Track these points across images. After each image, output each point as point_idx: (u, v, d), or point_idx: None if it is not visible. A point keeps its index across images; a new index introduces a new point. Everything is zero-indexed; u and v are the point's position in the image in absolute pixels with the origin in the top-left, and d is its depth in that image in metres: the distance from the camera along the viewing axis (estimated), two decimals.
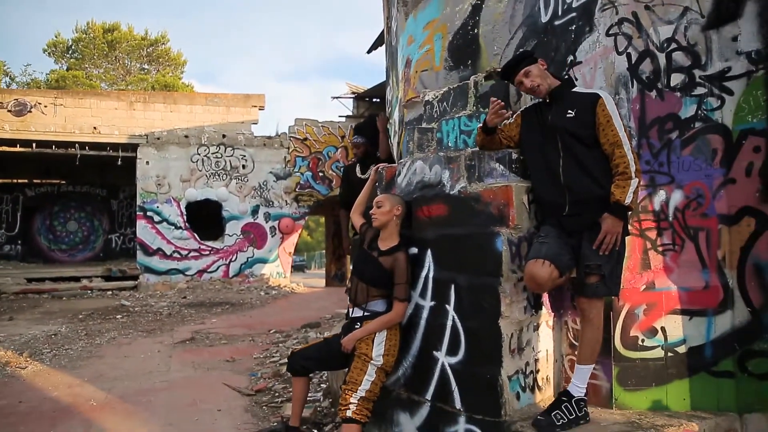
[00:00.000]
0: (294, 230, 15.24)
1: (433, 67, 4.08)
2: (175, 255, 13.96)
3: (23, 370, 5.95)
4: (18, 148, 12.93)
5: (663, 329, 2.93)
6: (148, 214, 13.71)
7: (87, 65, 20.76)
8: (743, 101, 2.87)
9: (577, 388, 2.72)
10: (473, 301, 2.95)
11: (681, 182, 2.96)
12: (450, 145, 3.36)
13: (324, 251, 23.70)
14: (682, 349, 2.92)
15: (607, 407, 2.94)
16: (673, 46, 2.98)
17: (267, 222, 14.92)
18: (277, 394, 4.99)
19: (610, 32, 3.06)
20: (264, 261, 14.91)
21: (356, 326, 3.29)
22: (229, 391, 5.13)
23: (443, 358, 3.08)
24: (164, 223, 13.89)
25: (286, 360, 6.02)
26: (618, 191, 2.61)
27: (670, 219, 2.97)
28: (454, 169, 3.18)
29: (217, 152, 14.45)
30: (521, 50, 3.38)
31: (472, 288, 2.96)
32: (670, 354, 2.92)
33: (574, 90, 2.88)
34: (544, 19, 3.34)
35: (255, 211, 14.80)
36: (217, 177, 14.46)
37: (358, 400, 3.11)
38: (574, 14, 3.19)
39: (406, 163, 3.53)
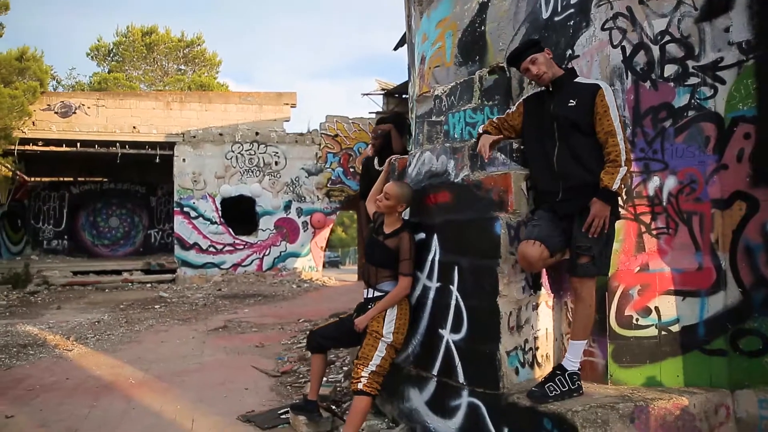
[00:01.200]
0: (326, 225, 15.60)
1: (445, 63, 4.27)
2: (211, 249, 14.47)
3: (70, 352, 6.42)
4: (64, 148, 13.63)
5: (657, 309, 3.07)
6: (185, 209, 14.25)
7: (127, 67, 21.66)
8: (734, 90, 2.99)
9: (571, 362, 2.89)
10: (474, 282, 3.15)
11: (675, 168, 3.09)
12: (456, 136, 3.56)
13: (357, 247, 24.05)
14: (675, 328, 3.06)
15: (602, 383, 3.11)
16: (667, 38, 3.11)
17: (299, 217, 15.30)
18: (301, 375, 5.28)
19: (605, 27, 3.20)
20: (296, 255, 15.31)
21: (369, 306, 3.52)
22: (257, 373, 5.45)
23: (448, 336, 3.29)
24: (200, 219, 14.41)
25: None
26: (607, 177, 2.77)
27: (664, 204, 3.10)
28: (459, 158, 3.39)
29: (250, 149, 14.89)
30: (529, 39, 3.50)
31: (474, 269, 3.16)
32: (663, 333, 3.06)
33: (576, 80, 3.02)
34: (545, 15, 3.51)
35: (287, 207, 15.19)
36: (250, 173, 14.90)
37: (369, 374, 3.34)
38: (572, 10, 3.35)
39: (416, 154, 3.75)
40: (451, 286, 3.29)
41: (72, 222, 17.01)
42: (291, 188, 15.13)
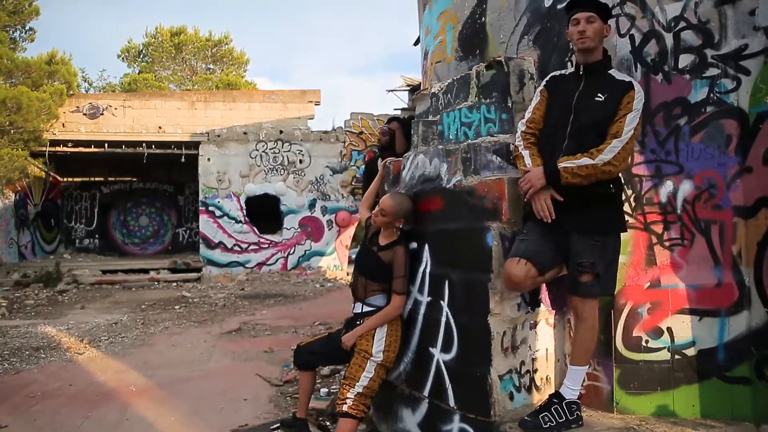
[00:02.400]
0: (350, 223, 15.43)
1: (446, 58, 3.99)
2: (236, 248, 14.48)
3: (81, 355, 6.40)
4: (92, 149, 13.84)
5: (669, 330, 2.74)
6: (210, 209, 14.30)
7: (156, 68, 21.96)
8: (760, 81, 2.62)
9: (569, 390, 2.60)
10: (465, 297, 2.88)
11: (690, 172, 2.75)
12: (451, 137, 3.28)
13: None
14: (691, 352, 2.72)
15: (608, 411, 2.80)
16: (682, 24, 2.76)
17: (324, 215, 15.18)
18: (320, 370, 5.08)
19: (612, 14, 2.86)
20: (321, 254, 15.20)
21: (358, 322, 3.29)
22: (260, 382, 5.29)
23: (438, 355, 3.04)
24: (225, 218, 14.43)
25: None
26: (565, 158, 2.50)
27: (679, 211, 2.76)
28: (452, 162, 3.11)
29: (274, 148, 14.82)
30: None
31: (464, 284, 2.89)
32: (677, 357, 2.73)
33: (610, 71, 2.65)
34: (548, 3, 3.19)
35: (312, 205, 15.08)
36: (275, 172, 14.84)
37: (355, 396, 3.11)
38: None
39: (410, 157, 3.49)
40: (441, 302, 3.02)
41: (103, 221, 17.34)
42: (315, 186, 15.01)
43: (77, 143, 13.76)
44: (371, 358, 3.15)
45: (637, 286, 2.78)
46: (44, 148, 13.02)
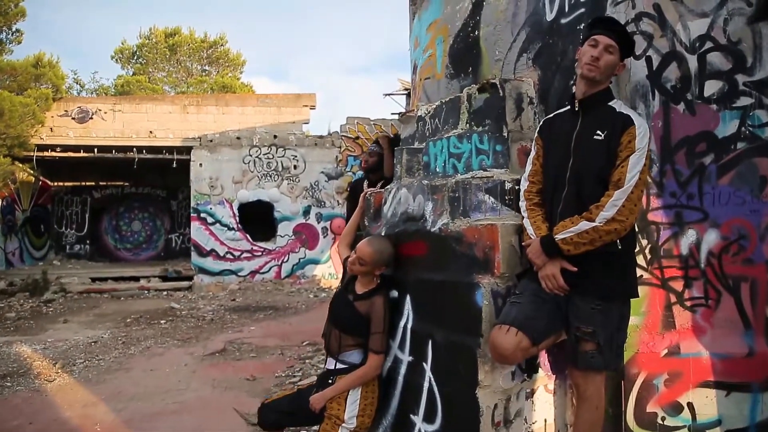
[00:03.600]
0: None
1: (435, 74, 3.58)
2: (228, 256, 14.08)
3: (50, 383, 5.99)
4: (81, 153, 13.43)
5: (690, 406, 2.32)
6: (202, 215, 13.90)
7: (151, 69, 21.54)
8: None
9: None
10: (450, 363, 2.47)
11: (717, 219, 2.33)
12: (438, 170, 2.87)
13: None
14: None
15: None
16: (708, 45, 2.34)
17: (319, 222, 14.77)
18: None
19: (633, 50, 2.45)
20: (316, 262, 14.79)
21: (330, 380, 2.88)
22: (236, 419, 4.88)
23: (420, 424, 2.63)
24: (217, 225, 14.03)
25: (304, 380, 5.73)
26: (561, 224, 2.13)
27: (702, 266, 2.35)
28: (438, 201, 2.70)
29: (268, 153, 14.40)
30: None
31: (450, 347, 2.48)
32: None
33: (610, 103, 2.24)
34: (550, 17, 2.77)
35: (307, 212, 14.67)
36: (268, 178, 14.42)
37: None
38: (582, 10, 2.61)
39: (392, 191, 3.08)
40: (424, 364, 2.61)
41: (94, 226, 16.94)
42: (310, 193, 14.59)
43: (66, 148, 13.36)
44: (343, 424, 2.74)
45: (652, 353, 2.37)
46: (31, 153, 12.62)
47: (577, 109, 2.27)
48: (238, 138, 14.10)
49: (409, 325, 2.74)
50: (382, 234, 3.07)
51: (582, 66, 2.22)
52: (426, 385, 2.58)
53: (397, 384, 2.81)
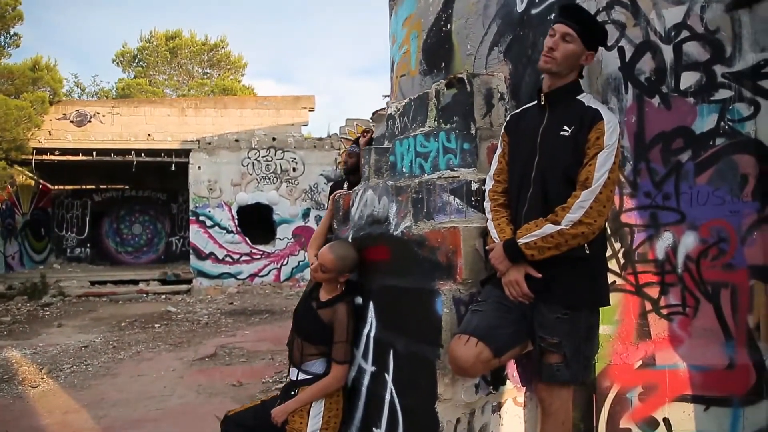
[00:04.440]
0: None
1: (410, 71, 3.44)
2: (227, 259, 14.01)
3: (34, 389, 5.90)
4: (80, 157, 13.41)
5: (666, 421, 2.16)
6: (201, 218, 13.83)
7: (152, 72, 21.55)
8: None
9: None
10: (411, 374, 2.33)
11: (695, 221, 2.17)
12: (404, 170, 2.72)
13: None
14: None
15: None
16: (685, 34, 2.19)
17: (318, 225, 14.64)
18: None
19: (601, 39, 2.29)
20: None
21: (292, 392, 2.74)
22: (217, 425, 4.75)
23: None
24: (216, 228, 13.96)
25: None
26: (525, 227, 1.99)
27: (680, 271, 2.18)
28: (402, 202, 2.56)
29: (267, 155, 14.33)
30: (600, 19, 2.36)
31: (410, 357, 2.33)
32: None
33: (579, 97, 2.09)
34: (521, 8, 2.62)
35: (306, 215, 14.58)
36: (267, 180, 14.35)
37: None
38: (552, 0, 2.45)
39: (359, 192, 2.94)
40: (386, 374, 2.47)
41: (95, 230, 16.92)
42: (309, 195, 14.49)
43: (64, 151, 13.34)
44: None
45: (625, 364, 2.21)
46: (30, 157, 12.60)
47: (543, 103, 2.12)
48: (236, 140, 14.04)
49: (372, 334, 2.60)
50: (349, 238, 2.93)
51: (539, 68, 2.08)
52: (388, 397, 2.44)
53: (361, 395, 2.67)
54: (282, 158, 14.31)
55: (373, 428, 2.54)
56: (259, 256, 14.23)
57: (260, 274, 14.18)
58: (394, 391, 2.40)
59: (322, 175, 14.55)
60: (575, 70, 2.05)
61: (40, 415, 5.11)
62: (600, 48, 2.28)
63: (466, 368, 1.97)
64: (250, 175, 14.14)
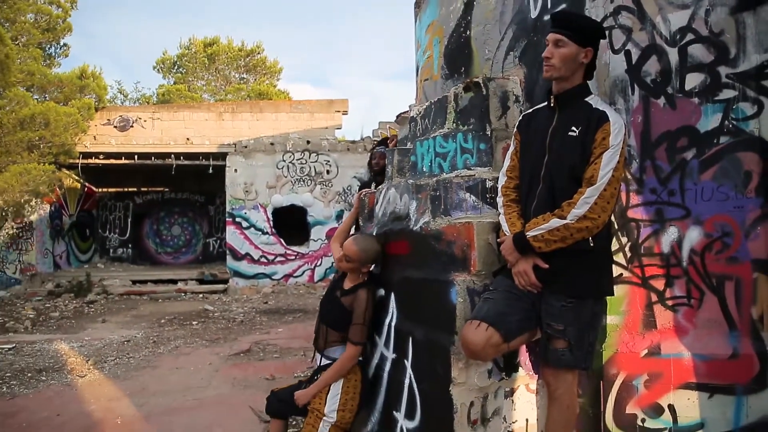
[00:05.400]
0: None
1: (433, 75, 3.60)
2: (263, 260, 14.36)
3: (81, 378, 6.27)
4: (123, 161, 14.00)
5: (671, 408, 2.26)
6: (237, 220, 14.22)
7: (191, 78, 22.26)
8: None
9: None
10: (428, 360, 2.48)
11: (700, 216, 2.26)
12: (424, 170, 2.88)
13: None
14: None
15: None
16: (690, 37, 2.29)
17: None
18: (293, 421, 4.76)
19: (604, 26, 2.41)
20: None
21: (315, 377, 2.94)
22: (250, 415, 4.99)
23: (402, 421, 2.64)
24: (252, 229, 14.33)
25: None
26: (534, 221, 2.12)
27: (685, 264, 2.28)
28: (422, 199, 2.72)
29: (301, 158, 14.64)
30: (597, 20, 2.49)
31: (428, 344, 2.49)
32: None
33: (587, 99, 2.21)
34: (534, 14, 2.75)
35: (339, 216, 14.80)
36: (302, 183, 14.66)
37: None
38: (564, 5, 2.58)
39: (383, 191, 3.11)
40: (405, 361, 2.63)
41: (136, 231, 17.59)
42: (343, 197, 14.73)
43: (108, 155, 13.94)
44: (324, 418, 2.79)
45: (631, 353, 2.31)
46: (77, 161, 13.22)
47: (552, 105, 2.25)
48: (271, 144, 14.40)
49: (393, 323, 2.77)
50: (374, 233, 3.11)
51: (544, 77, 2.23)
52: (407, 382, 2.60)
53: (383, 381, 2.84)
54: (316, 161, 14.59)
55: (394, 412, 2.70)
56: (293, 257, 14.53)
57: (294, 275, 14.48)
58: (412, 376, 2.56)
59: (355, 177, 14.76)
60: (579, 70, 2.17)
61: (87, 401, 5.44)
62: (608, 51, 2.40)
63: (476, 351, 2.11)
64: (285, 177, 14.47)
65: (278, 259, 14.46)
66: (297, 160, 14.61)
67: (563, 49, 2.11)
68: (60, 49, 13.48)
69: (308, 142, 14.58)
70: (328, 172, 14.74)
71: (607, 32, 2.41)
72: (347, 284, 2.94)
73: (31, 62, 11.47)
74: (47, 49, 13.69)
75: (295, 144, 14.49)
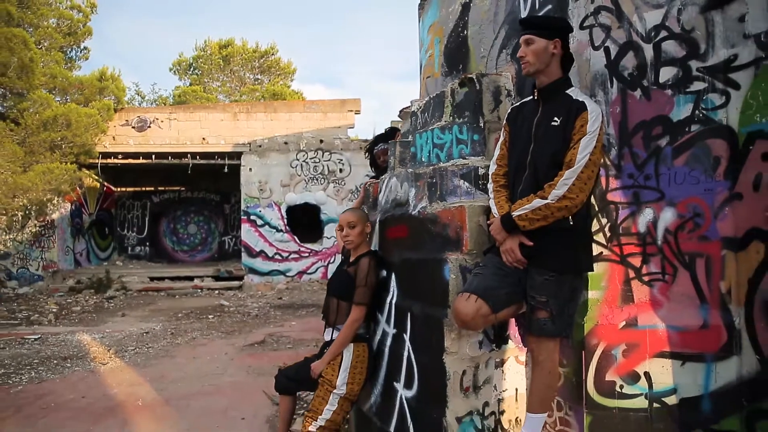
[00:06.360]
0: None
1: (434, 73, 3.81)
2: (277, 257, 14.65)
3: (103, 366, 6.59)
4: (141, 160, 14.39)
5: (647, 375, 2.45)
6: (252, 218, 14.54)
7: (206, 79, 22.72)
8: (750, 96, 2.30)
9: None
10: (424, 333, 2.70)
11: (673, 199, 2.45)
12: (423, 160, 3.10)
13: None
14: (671, 401, 2.42)
15: None
16: (663, 34, 2.47)
17: None
18: (304, 404, 5.00)
19: (585, 24, 2.62)
20: None
21: (325, 350, 3.18)
22: (264, 399, 5.25)
23: (401, 391, 2.87)
24: (266, 227, 14.64)
25: None
26: (519, 203, 2.33)
27: (659, 243, 2.47)
28: (420, 187, 2.94)
29: (315, 157, 14.92)
30: (557, 16, 2.78)
31: (424, 318, 2.71)
32: (656, 405, 2.44)
33: (568, 91, 2.43)
34: (524, 14, 2.96)
35: None
36: (315, 181, 14.93)
37: (317, 429, 2.99)
38: (549, 6, 2.79)
39: (386, 180, 3.34)
40: (404, 335, 2.86)
41: (154, 229, 18.01)
42: (356, 195, 14.96)
43: (127, 155, 14.35)
44: (334, 390, 3.02)
45: (610, 325, 2.51)
46: (96, 161, 13.63)
47: (536, 98, 2.47)
48: (285, 143, 14.68)
49: (394, 301, 2.99)
50: (378, 220, 3.35)
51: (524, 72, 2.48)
52: (406, 354, 2.82)
53: (385, 355, 3.06)
54: (329, 160, 14.86)
55: (394, 382, 2.92)
56: (307, 254, 14.81)
57: (308, 272, 14.75)
58: (411, 348, 2.78)
59: (367, 175, 14.96)
60: (553, 62, 2.40)
61: (110, 386, 5.74)
62: (589, 48, 2.61)
63: (467, 321, 2.33)
64: (299, 176, 14.76)
65: (292, 256, 14.75)
66: (310, 158, 14.88)
67: (533, 45, 2.35)
68: (80, 52, 13.92)
69: (321, 141, 14.84)
70: (340, 170, 15.00)
71: (587, 30, 2.62)
72: (351, 257, 3.21)
73: (54, 65, 11.88)
74: (68, 52, 14.14)
75: (308, 143, 14.77)
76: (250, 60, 22.69)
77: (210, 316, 10.31)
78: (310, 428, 2.99)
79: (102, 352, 7.23)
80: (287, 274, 14.65)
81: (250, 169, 14.56)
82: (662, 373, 2.43)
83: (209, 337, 8.41)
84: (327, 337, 3.23)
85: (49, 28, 12.28)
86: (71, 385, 5.80)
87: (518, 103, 2.64)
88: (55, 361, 6.77)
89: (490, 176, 2.62)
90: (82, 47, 14.05)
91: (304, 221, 14.99)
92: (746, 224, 2.31)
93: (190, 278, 14.42)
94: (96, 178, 14.85)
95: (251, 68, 23.12)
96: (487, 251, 2.56)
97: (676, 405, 2.41)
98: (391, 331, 3.00)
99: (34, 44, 10.86)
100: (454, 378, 2.54)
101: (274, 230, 14.70)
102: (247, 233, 14.54)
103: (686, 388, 2.40)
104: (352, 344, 3.10)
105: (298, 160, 14.84)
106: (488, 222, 2.54)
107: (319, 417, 3.01)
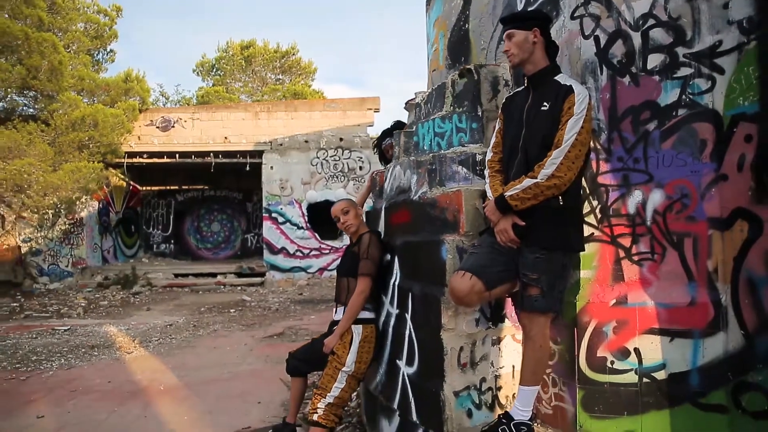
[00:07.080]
0: None
1: (439, 66, 3.94)
2: (298, 254, 14.87)
3: (128, 354, 6.86)
4: (165, 159, 14.77)
5: (637, 351, 2.55)
6: (273, 215, 14.79)
7: (228, 80, 23.14)
8: (734, 80, 2.39)
9: (519, 411, 2.48)
10: (423, 312, 2.84)
11: (661, 180, 2.55)
12: (425, 148, 3.23)
13: None
14: (661, 375, 2.51)
15: None
16: (651, 22, 2.57)
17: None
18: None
19: (576, 15, 2.72)
20: None
21: (333, 328, 3.34)
22: (280, 386, 5.42)
23: (404, 368, 3.01)
24: (287, 224, 14.87)
25: None
26: (511, 184, 2.45)
27: (648, 223, 2.57)
28: (421, 173, 3.08)
29: (335, 155, 15.11)
30: (544, 8, 2.94)
31: (423, 297, 2.85)
32: (645, 380, 2.53)
33: (556, 77, 2.54)
34: (520, 6, 3.07)
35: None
36: (335, 179, 15.12)
37: (326, 406, 3.15)
38: (543, 0, 2.90)
39: (390, 169, 3.48)
40: (406, 314, 3.00)
41: (178, 227, 18.44)
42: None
43: (151, 154, 14.73)
44: (343, 369, 3.17)
45: (602, 303, 2.61)
46: (122, 160, 14.05)
47: (527, 85, 2.59)
48: (306, 141, 14.91)
49: (397, 283, 3.13)
50: (383, 207, 3.50)
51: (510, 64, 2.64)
52: (407, 333, 2.96)
53: (388, 335, 3.20)
54: (349, 157, 15.03)
55: (397, 360, 3.06)
56: (327, 251, 15.00)
57: (329, 268, 14.93)
58: (411, 326, 2.92)
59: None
60: (537, 51, 2.52)
61: (134, 372, 6.00)
62: (579, 37, 2.72)
63: (462, 297, 2.46)
64: (319, 174, 14.97)
65: (313, 252, 14.95)
66: (330, 156, 15.07)
67: (514, 38, 2.51)
68: (107, 54, 14.35)
69: (341, 139, 15.03)
70: (360, 168, 15.16)
71: (578, 20, 2.73)
72: (354, 238, 3.39)
73: (81, 68, 12.29)
74: (95, 55, 14.59)
75: (328, 141, 14.97)
76: (271, 60, 23.05)
77: (231, 311, 10.57)
78: (318, 405, 3.15)
79: (127, 342, 7.51)
80: (308, 270, 14.86)
81: (272, 168, 14.82)
82: (651, 348, 2.52)
83: (230, 329, 8.65)
84: (336, 317, 3.38)
85: (77, 32, 12.72)
86: (98, 371, 6.08)
87: (511, 93, 2.76)
88: (83, 350, 7.07)
89: (486, 162, 2.74)
90: (108, 50, 14.51)
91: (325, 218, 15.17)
92: (731, 204, 2.40)
93: (213, 275, 14.75)
94: (122, 177, 15.28)
95: (272, 68, 23.48)
96: (482, 233, 2.68)
97: (665, 380, 2.50)
98: (395, 311, 3.14)
99: (63, 48, 11.27)
100: (452, 354, 2.66)
101: (295, 227, 14.92)
102: (268, 230, 14.80)
103: (675, 363, 2.49)
104: (360, 326, 3.25)
105: (318, 158, 15.04)
106: (483, 205, 2.66)
107: (328, 394, 3.16)
